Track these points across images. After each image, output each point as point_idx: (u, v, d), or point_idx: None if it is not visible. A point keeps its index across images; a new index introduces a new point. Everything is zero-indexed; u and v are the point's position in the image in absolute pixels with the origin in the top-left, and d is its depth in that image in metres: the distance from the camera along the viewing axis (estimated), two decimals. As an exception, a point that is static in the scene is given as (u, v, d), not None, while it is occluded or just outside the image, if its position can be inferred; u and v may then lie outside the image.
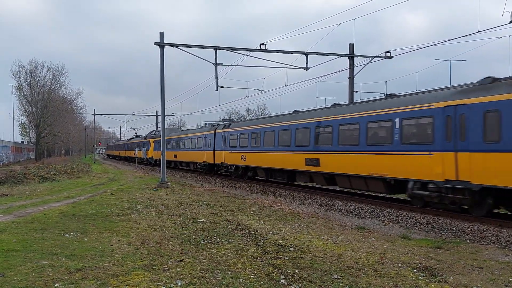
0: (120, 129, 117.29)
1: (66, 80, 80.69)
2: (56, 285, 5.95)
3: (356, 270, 6.95)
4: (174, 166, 44.58)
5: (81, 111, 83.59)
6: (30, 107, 64.24)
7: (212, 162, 30.80)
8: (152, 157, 50.73)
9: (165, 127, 26.22)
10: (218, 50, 22.84)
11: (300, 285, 6.10)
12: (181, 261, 7.32)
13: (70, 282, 6.07)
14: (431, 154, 12.63)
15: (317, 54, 24.33)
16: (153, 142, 49.90)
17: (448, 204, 12.61)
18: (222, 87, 24.22)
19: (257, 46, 22.86)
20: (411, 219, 12.49)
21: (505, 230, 10.56)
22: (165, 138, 26.44)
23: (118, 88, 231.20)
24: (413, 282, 6.36)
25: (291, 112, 22.12)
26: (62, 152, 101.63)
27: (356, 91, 27.01)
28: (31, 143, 72.34)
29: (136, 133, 75.27)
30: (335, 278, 6.47)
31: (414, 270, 7.03)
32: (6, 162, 53.27)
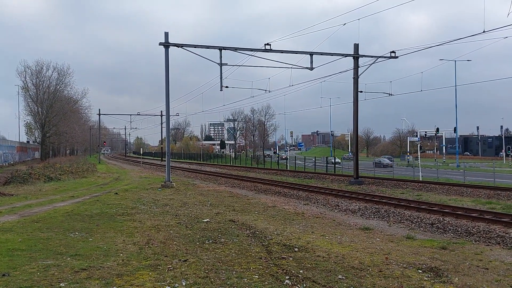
0: (125, 128, 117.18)
1: (71, 80, 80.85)
2: (61, 284, 5.97)
3: (361, 270, 6.93)
4: None
5: (86, 111, 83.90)
6: (36, 107, 64.45)
7: None
8: None
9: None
10: (222, 50, 22.87)
11: (304, 285, 6.09)
12: (185, 261, 7.33)
13: (75, 282, 6.09)
14: None
15: (321, 54, 24.33)
16: None
17: None
18: (226, 87, 24.23)
19: (261, 46, 22.91)
20: (416, 220, 12.45)
21: (511, 231, 10.51)
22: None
23: (121, 88, 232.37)
24: (418, 282, 6.33)
25: None
26: (67, 152, 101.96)
27: (361, 91, 27.01)
28: (37, 143, 72.59)
29: None
30: (340, 278, 6.45)
31: (419, 270, 7.00)
32: (12, 162, 53.53)
